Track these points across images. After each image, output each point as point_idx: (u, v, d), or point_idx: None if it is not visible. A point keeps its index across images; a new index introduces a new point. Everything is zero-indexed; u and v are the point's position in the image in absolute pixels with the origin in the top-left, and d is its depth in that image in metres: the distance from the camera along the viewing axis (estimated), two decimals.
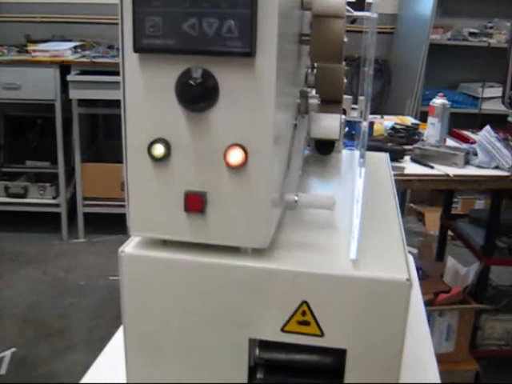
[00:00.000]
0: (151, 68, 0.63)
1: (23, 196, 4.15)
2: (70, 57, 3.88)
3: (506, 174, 2.26)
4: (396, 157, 2.27)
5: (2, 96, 3.87)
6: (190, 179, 0.66)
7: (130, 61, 0.63)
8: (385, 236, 0.77)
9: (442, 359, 2.74)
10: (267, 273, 0.68)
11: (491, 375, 2.80)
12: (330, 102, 0.97)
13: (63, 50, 3.91)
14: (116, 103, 3.16)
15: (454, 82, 4.94)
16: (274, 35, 0.60)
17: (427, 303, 2.60)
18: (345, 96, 3.07)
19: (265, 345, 0.73)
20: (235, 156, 0.64)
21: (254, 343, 0.72)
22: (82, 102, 3.92)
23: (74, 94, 3.79)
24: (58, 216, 4.16)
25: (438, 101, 2.49)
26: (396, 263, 0.69)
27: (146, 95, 0.64)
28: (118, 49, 4.09)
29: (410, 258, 1.35)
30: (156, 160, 0.66)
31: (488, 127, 2.41)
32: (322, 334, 0.69)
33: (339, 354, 0.70)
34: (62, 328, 3.16)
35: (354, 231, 0.66)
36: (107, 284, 3.61)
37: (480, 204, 4.61)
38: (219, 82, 0.62)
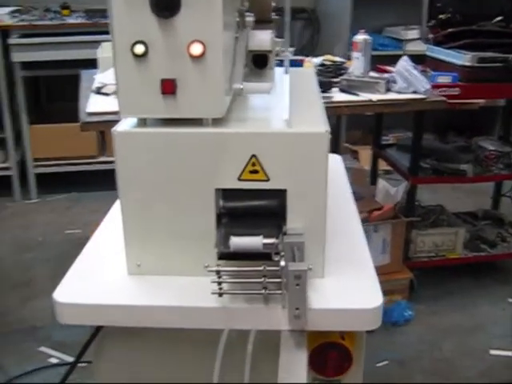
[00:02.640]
0: None
1: None
2: (8, 21, 3.95)
3: (421, 96, 2.56)
4: (324, 88, 2.53)
5: None
6: (163, 70, 0.91)
7: None
8: (309, 107, 1.04)
9: (380, 270, 3.04)
10: (224, 135, 0.94)
11: (425, 283, 3.13)
12: (262, 22, 1.20)
13: (1, 14, 3.98)
14: (58, 64, 3.24)
15: (379, 26, 5.21)
16: None
17: (363, 221, 2.89)
18: (279, 39, 3.32)
19: (227, 195, 0.98)
20: (196, 49, 0.89)
21: (218, 193, 0.98)
22: (24, 66, 4.00)
23: (17, 57, 3.88)
24: (9, 179, 4.26)
25: (360, 36, 2.76)
26: (318, 122, 0.96)
27: (127, 8, 0.88)
28: (54, 11, 4.19)
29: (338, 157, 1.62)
30: (137, 57, 0.90)
31: (405, 57, 2.70)
32: (268, 179, 0.95)
33: (282, 197, 0.96)
34: (27, 279, 3.32)
35: (286, 98, 0.92)
36: (64, 238, 3.78)
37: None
38: None
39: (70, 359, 2.45)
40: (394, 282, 3.02)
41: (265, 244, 0.89)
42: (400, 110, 2.59)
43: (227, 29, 0.94)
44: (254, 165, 0.93)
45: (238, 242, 0.90)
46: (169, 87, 0.90)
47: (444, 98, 2.61)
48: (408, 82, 2.58)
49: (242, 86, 0.98)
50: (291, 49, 3.26)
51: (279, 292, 0.89)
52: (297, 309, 0.86)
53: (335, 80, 2.65)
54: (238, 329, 0.93)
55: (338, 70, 2.79)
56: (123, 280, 1.02)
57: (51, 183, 4.35)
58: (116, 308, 0.96)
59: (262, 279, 0.89)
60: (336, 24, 4.83)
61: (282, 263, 0.87)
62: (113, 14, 0.88)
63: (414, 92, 2.59)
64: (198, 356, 0.96)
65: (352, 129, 4.99)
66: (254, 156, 0.93)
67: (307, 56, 3.33)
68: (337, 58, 3.22)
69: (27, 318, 2.90)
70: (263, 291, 0.90)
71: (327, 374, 1.07)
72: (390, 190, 3.03)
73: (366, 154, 4.85)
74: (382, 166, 3.61)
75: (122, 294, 0.99)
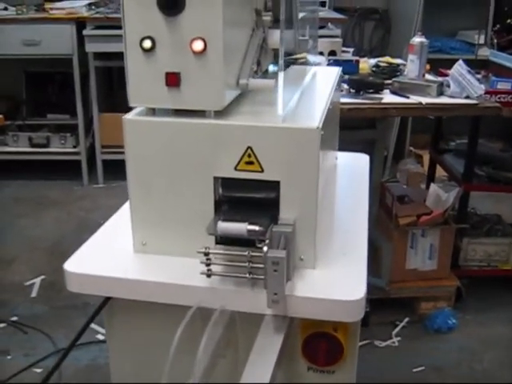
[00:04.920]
0: None
1: (46, 146, 4.45)
2: (85, 13, 4.15)
3: (474, 101, 2.52)
4: (376, 89, 2.54)
5: (23, 52, 4.15)
6: (168, 64, 0.99)
7: None
8: (312, 104, 1.08)
9: (425, 276, 3.04)
10: (222, 127, 1.01)
11: (473, 293, 3.07)
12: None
13: (79, 7, 4.19)
14: None
15: (452, 29, 5.11)
16: None
17: (411, 225, 2.88)
18: (337, 39, 3.34)
19: (225, 185, 1.05)
20: (198, 45, 0.95)
21: (217, 182, 1.04)
22: (98, 56, 4.19)
23: (90, 48, 4.08)
24: (78, 164, 4.47)
25: (417, 39, 2.74)
26: (312, 118, 1.00)
27: (137, 6, 0.96)
28: None
29: (365, 157, 1.65)
30: (145, 51, 0.98)
31: (460, 61, 2.66)
32: (262, 170, 1.01)
33: (277, 188, 1.02)
34: None
35: (279, 93, 0.97)
36: None
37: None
38: None
39: None
40: (440, 289, 2.97)
41: (249, 230, 0.95)
42: (450, 115, 2.57)
43: (233, 27, 1.00)
44: (249, 156, 0.99)
45: (224, 226, 0.96)
46: (173, 80, 0.98)
47: (498, 105, 2.57)
48: (461, 87, 2.55)
49: (247, 82, 1.04)
50: (350, 49, 3.28)
51: (262, 277, 0.94)
52: (275, 294, 0.91)
53: (388, 82, 2.65)
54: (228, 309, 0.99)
55: (392, 71, 2.79)
56: (128, 257, 1.11)
57: (117, 170, 4.51)
58: (117, 281, 1.05)
59: (247, 263, 0.95)
60: (407, 26, 4.78)
61: (265, 249, 0.92)
62: (124, 11, 0.97)
63: (467, 97, 2.56)
64: (190, 332, 1.02)
65: (420, 133, 4.93)
66: (249, 148, 0.99)
67: (369, 56, 3.33)
68: (397, 61, 3.22)
69: (80, 295, 3.03)
70: (248, 275, 0.96)
71: (318, 363, 1.11)
72: (442, 196, 2.98)
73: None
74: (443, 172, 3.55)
75: (124, 269, 1.07)
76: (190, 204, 1.05)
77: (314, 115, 1.02)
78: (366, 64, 2.88)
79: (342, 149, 1.63)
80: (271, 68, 1.41)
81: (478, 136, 2.87)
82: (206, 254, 0.96)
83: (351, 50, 3.29)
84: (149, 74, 0.99)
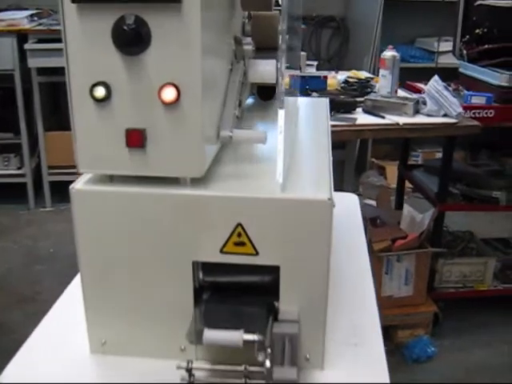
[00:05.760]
0: (89, 17, 0.69)
1: None
2: (26, 25, 3.85)
3: (453, 120, 2.35)
4: (348, 109, 2.34)
5: None
6: (129, 117, 0.73)
7: (69, 12, 0.69)
8: (313, 165, 0.85)
9: (401, 302, 2.88)
10: (204, 199, 0.76)
11: (449, 316, 2.94)
12: (267, 49, 1.02)
13: (19, 18, 3.88)
14: None
15: (411, 37, 5.01)
16: None
17: (385, 250, 2.71)
18: (301, 53, 3.10)
19: (207, 268, 0.81)
20: (169, 94, 0.71)
21: (197, 266, 0.80)
22: (42, 71, 3.89)
23: (33, 63, 3.78)
24: (23, 186, 4.16)
25: (388, 53, 2.56)
26: (319, 185, 0.77)
27: (85, 43, 0.71)
28: None
29: (354, 197, 1.43)
30: (98, 101, 0.73)
31: (436, 77, 2.49)
32: (256, 253, 0.77)
33: (274, 272, 0.78)
34: (34, 294, 3.20)
35: (279, 157, 0.74)
36: (75, 250, 3.66)
37: (440, 156, 4.72)
38: (151, 26, 0.69)
39: None
40: (417, 316, 2.85)
41: (245, 341, 0.72)
42: (429, 135, 2.39)
43: (211, 65, 0.77)
44: (239, 235, 0.75)
45: (212, 337, 0.72)
46: (136, 139, 0.73)
47: (477, 123, 2.41)
48: (439, 105, 2.38)
49: (231, 134, 0.80)
50: (314, 62, 3.09)
51: None
52: None
53: (359, 99, 2.45)
54: None
55: (363, 87, 2.60)
56: (82, 361, 0.85)
57: (65, 191, 4.23)
58: None
59: (242, 380, 0.72)
60: (366, 33, 4.64)
61: (267, 364, 0.69)
62: (68, 48, 0.72)
63: (445, 115, 2.38)
64: None
65: (380, 142, 4.79)
66: (239, 225, 0.75)
67: (333, 70, 3.13)
68: (363, 73, 3.04)
69: None
70: None
71: None
72: (416, 217, 2.83)
73: (393, 170, 4.65)
74: (410, 184, 3.41)
75: (78, 380, 0.82)
76: (162, 294, 0.81)
77: (319, 179, 0.80)
78: (335, 80, 2.68)
79: None
80: (249, 101, 1.19)
81: (452, 154, 2.71)
82: (189, 372, 0.72)
83: (315, 63, 3.09)
84: (103, 132, 0.74)
